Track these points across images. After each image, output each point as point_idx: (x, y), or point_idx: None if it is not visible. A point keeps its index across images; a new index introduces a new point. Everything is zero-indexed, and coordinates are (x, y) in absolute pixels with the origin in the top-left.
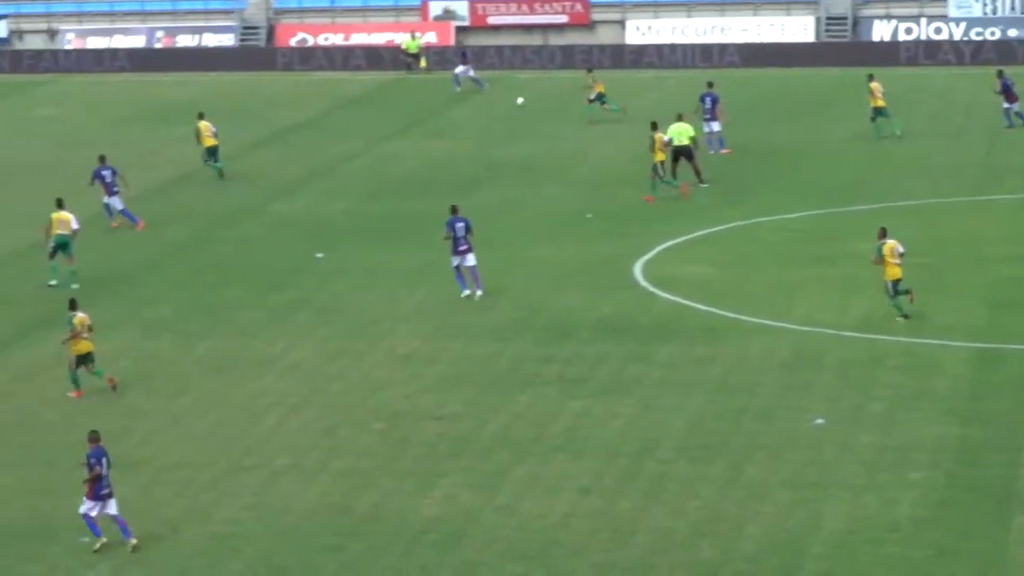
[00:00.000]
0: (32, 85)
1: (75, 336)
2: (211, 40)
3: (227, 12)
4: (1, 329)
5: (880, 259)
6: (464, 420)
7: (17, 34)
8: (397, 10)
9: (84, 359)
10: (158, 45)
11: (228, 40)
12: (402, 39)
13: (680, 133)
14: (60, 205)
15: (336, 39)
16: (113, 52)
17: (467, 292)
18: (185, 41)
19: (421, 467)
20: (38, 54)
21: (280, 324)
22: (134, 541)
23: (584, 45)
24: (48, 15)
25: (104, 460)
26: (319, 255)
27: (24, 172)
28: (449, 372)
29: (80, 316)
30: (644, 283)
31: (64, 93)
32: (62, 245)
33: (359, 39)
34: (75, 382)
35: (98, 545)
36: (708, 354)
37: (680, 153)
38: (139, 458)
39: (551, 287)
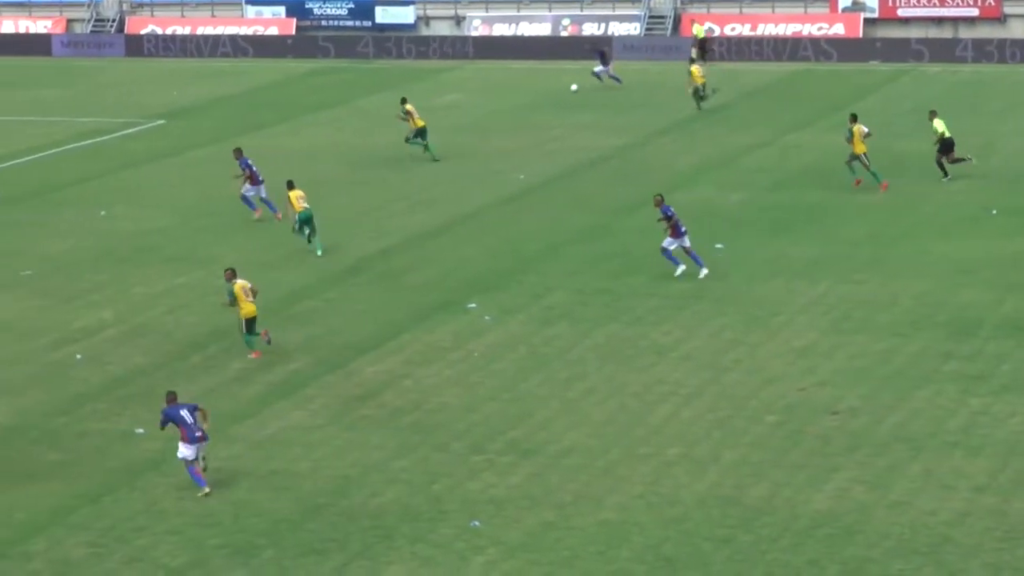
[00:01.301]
0: (437, 71)
1: (236, 303)
2: (617, 29)
3: (634, 1)
4: (398, 312)
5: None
6: (860, 415)
7: (424, 20)
8: (806, 1)
9: (252, 322)
10: (564, 34)
11: (634, 29)
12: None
13: (946, 127)
14: (291, 186)
15: (743, 29)
16: (518, 40)
17: (683, 268)
18: (591, 30)
19: (814, 461)
20: (444, 40)
21: (677, 313)
22: (206, 490)
23: (996, 39)
24: (455, 2)
25: (182, 412)
26: (718, 245)
27: (426, 157)
28: (846, 366)
29: (239, 283)
30: None
31: (468, 79)
32: (307, 219)
33: (766, 30)
34: (249, 345)
35: (203, 493)
36: None
37: (947, 145)
38: (534, 444)
39: (953, 283)
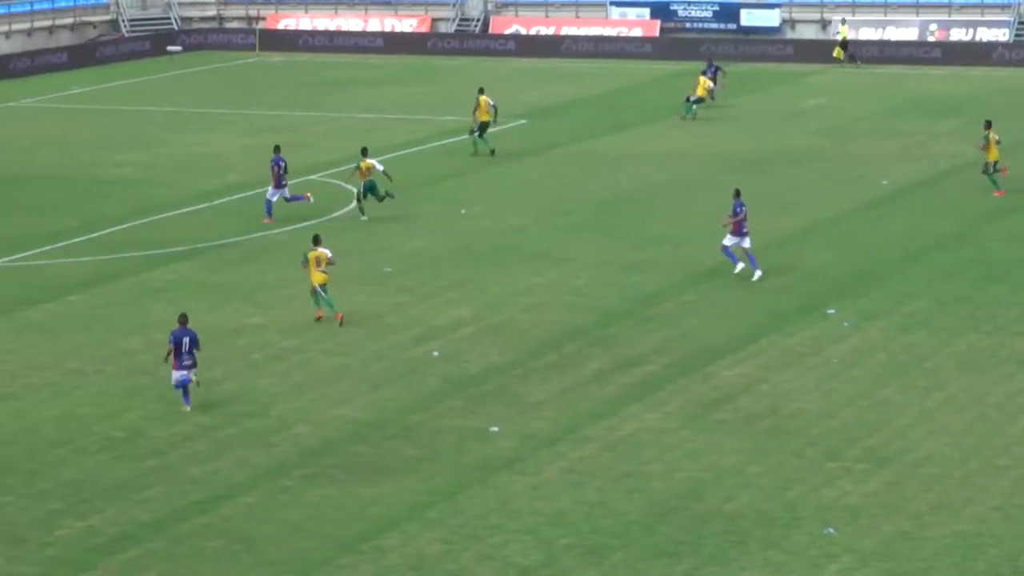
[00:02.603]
0: (801, 75)
1: (308, 268)
2: (985, 35)
3: (1003, 7)
4: (756, 316)
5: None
6: None
7: (789, 23)
8: None
9: (322, 288)
10: (931, 39)
11: (1003, 35)
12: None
13: None
14: (365, 154)
15: None
16: (884, 44)
17: (741, 266)
18: (958, 35)
19: None
20: (810, 44)
21: None
22: (187, 408)
23: None
24: (821, 5)
25: (185, 339)
26: None
27: (787, 160)
28: None
29: (317, 252)
30: None
31: (834, 83)
32: (371, 188)
33: None
34: (316, 303)
35: (187, 408)
36: None
37: None
38: (891, 452)
39: None
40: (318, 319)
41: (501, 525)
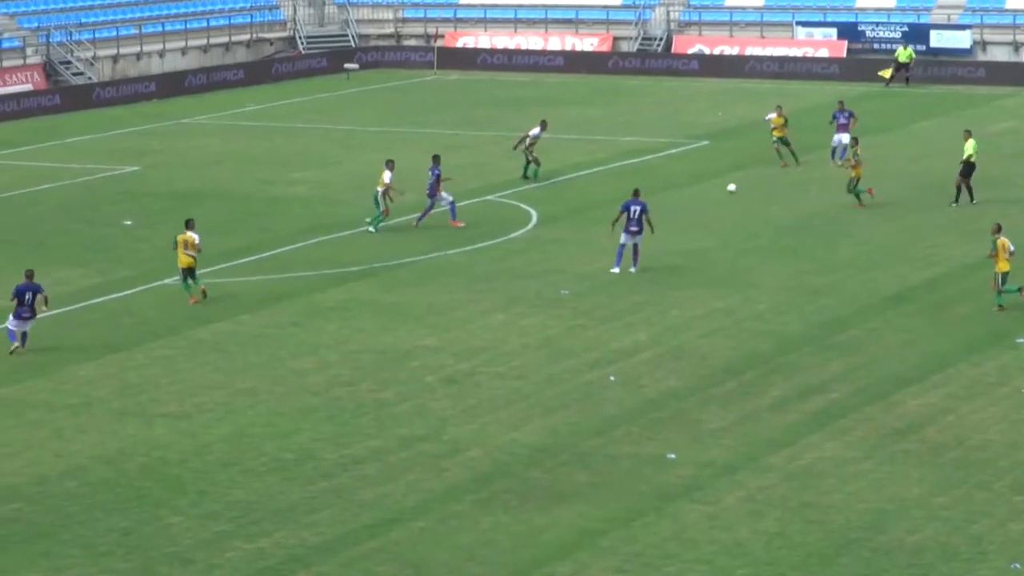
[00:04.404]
0: (993, 98)
1: (178, 250)
2: None
3: None
4: (943, 344)
5: (994, 253)
6: None
7: (980, 45)
8: None
9: (188, 272)
10: None
11: None
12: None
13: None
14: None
15: None
16: None
17: (616, 270)
18: None
19: None
20: (1002, 66)
21: None
22: (16, 344)
23: None
24: (1014, 27)
25: (28, 293)
26: None
27: (975, 184)
28: None
29: (186, 236)
30: None
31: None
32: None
33: None
34: (186, 290)
35: (11, 349)
36: None
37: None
38: None
39: None
40: (194, 302)
41: (677, 554)
